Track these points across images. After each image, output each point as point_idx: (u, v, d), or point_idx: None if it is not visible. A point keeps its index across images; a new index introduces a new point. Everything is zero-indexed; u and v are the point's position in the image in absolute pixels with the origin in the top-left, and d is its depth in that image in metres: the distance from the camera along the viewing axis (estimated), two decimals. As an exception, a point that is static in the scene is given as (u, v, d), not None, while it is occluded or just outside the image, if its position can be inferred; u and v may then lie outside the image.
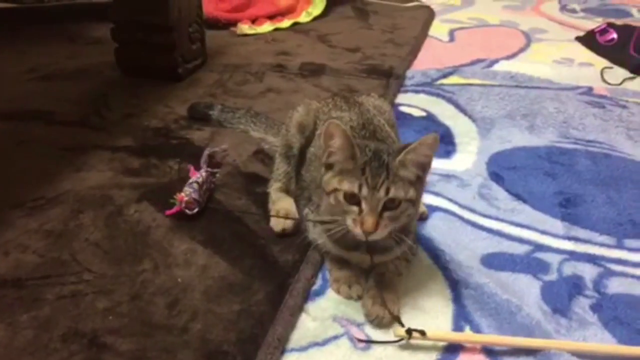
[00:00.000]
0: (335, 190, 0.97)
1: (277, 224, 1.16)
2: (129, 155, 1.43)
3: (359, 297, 1.01)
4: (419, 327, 0.92)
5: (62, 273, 1.04)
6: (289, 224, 1.15)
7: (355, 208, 0.95)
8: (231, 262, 1.08)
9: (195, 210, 1.19)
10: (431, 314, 0.99)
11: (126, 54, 1.89)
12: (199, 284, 1.03)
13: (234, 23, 2.49)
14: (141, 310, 0.97)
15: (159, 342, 0.91)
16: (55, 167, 1.37)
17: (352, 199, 0.95)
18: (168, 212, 1.19)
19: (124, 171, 1.36)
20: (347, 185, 0.95)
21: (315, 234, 1.08)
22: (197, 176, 1.25)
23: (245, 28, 2.46)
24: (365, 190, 0.93)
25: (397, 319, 0.95)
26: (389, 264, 1.05)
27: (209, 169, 1.30)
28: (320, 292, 1.04)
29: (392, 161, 0.95)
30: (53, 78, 1.90)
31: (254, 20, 2.55)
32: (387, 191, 0.93)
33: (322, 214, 1.05)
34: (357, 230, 0.95)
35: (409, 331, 0.92)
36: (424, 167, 0.98)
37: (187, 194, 1.19)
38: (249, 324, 0.95)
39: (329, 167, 0.99)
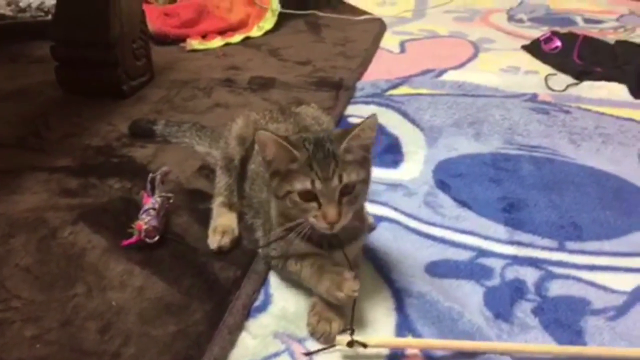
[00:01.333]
0: (289, 192, 0.94)
1: (214, 242, 1.13)
2: (66, 176, 1.38)
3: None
4: (361, 338, 0.91)
5: (-12, 301, 0.99)
6: (225, 241, 1.13)
7: (313, 204, 0.93)
8: (169, 282, 1.05)
9: (156, 238, 1.13)
10: (374, 325, 0.98)
11: (67, 73, 1.84)
12: (134, 306, 0.99)
13: (183, 39, 2.47)
14: (71, 336, 0.92)
15: (88, 369, 0.87)
16: (-13, 190, 1.31)
17: (308, 195, 0.93)
18: (126, 242, 1.12)
19: (60, 192, 1.32)
20: (299, 185, 0.93)
21: (279, 249, 1.05)
22: (152, 202, 1.19)
23: (195, 43, 2.44)
24: (318, 184, 0.92)
25: (347, 330, 0.93)
26: None
27: (163, 194, 1.24)
28: (262, 309, 1.02)
29: (336, 149, 0.93)
30: (-10, 99, 1.84)
31: (204, 36, 2.52)
32: (340, 178, 0.92)
33: (277, 226, 1.03)
34: (322, 224, 0.93)
35: (351, 343, 0.91)
36: (369, 148, 0.98)
37: (145, 221, 1.13)
38: (184, 345, 0.91)
39: (275, 174, 0.97)
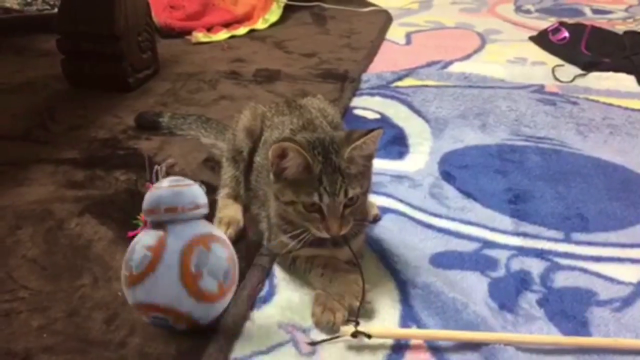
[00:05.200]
0: (293, 202, 0.96)
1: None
2: (73, 168, 1.39)
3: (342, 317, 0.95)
4: (366, 329, 0.91)
5: (-5, 291, 1.00)
6: (231, 232, 1.13)
7: (317, 215, 0.96)
8: (175, 273, 1.05)
9: None
10: (378, 315, 0.98)
11: (73, 65, 1.84)
12: (140, 296, 1.00)
13: (188, 31, 2.46)
14: (77, 326, 0.93)
15: (94, 359, 0.87)
16: (-6, 182, 1.32)
17: (313, 207, 0.95)
18: (131, 233, 1.11)
19: (67, 184, 1.32)
20: (306, 197, 0.94)
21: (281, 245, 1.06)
22: None
23: (200, 36, 2.43)
24: (326, 199, 0.94)
25: (352, 321, 0.93)
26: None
27: None
28: (266, 299, 1.02)
29: (341, 161, 0.94)
30: (-3, 92, 1.85)
31: (209, 29, 2.52)
32: (346, 193, 0.94)
33: (278, 220, 1.04)
34: (324, 234, 0.96)
35: (355, 334, 0.91)
36: (370, 158, 1.00)
37: None
38: (190, 335, 0.92)
39: (281, 178, 0.97)
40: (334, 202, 0.94)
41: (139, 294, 0.80)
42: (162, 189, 0.84)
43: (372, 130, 0.96)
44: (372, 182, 1.04)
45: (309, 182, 0.94)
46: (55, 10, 2.37)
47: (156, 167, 1.31)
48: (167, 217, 0.82)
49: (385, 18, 2.84)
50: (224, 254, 0.82)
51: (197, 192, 0.86)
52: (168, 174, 1.31)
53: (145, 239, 0.82)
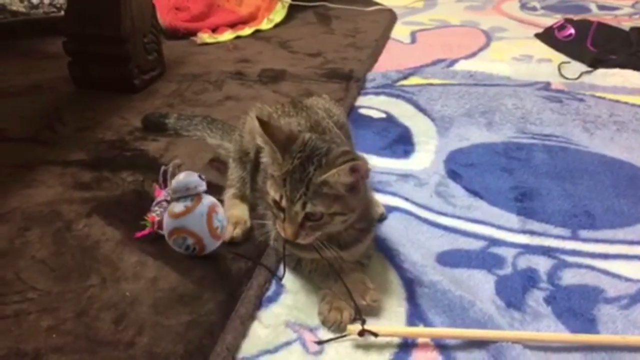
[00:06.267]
0: (267, 193, 0.98)
1: (226, 233, 1.13)
2: (80, 170, 1.40)
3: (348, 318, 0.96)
4: (373, 327, 0.91)
5: (5, 292, 1.00)
6: (238, 232, 1.14)
7: (281, 214, 0.96)
8: (182, 273, 1.06)
9: None
10: (385, 315, 0.99)
11: (79, 68, 1.85)
12: (148, 296, 1.00)
13: (194, 32, 2.47)
14: (86, 326, 0.94)
15: (103, 358, 0.88)
16: (3, 184, 1.33)
17: (278, 205, 0.95)
18: (139, 234, 1.13)
19: (74, 186, 1.33)
20: (273, 193, 0.96)
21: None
22: (165, 194, 1.20)
23: (205, 37, 2.44)
24: (284, 202, 0.94)
25: (358, 320, 0.94)
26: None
27: None
28: (273, 299, 1.03)
29: (316, 176, 0.91)
30: (5, 95, 1.86)
31: (214, 29, 2.53)
32: (304, 206, 0.92)
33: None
34: (282, 235, 0.96)
35: (362, 332, 0.91)
36: (351, 185, 0.93)
37: (158, 214, 1.14)
38: (197, 334, 0.92)
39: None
40: (291, 208, 0.93)
41: (179, 223, 1.07)
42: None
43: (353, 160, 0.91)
44: (364, 206, 1.01)
45: (277, 180, 0.95)
46: (62, 12, 2.39)
47: (163, 167, 1.32)
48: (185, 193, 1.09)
49: (389, 17, 2.84)
50: (224, 215, 1.11)
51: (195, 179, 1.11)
52: (175, 175, 1.32)
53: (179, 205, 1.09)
